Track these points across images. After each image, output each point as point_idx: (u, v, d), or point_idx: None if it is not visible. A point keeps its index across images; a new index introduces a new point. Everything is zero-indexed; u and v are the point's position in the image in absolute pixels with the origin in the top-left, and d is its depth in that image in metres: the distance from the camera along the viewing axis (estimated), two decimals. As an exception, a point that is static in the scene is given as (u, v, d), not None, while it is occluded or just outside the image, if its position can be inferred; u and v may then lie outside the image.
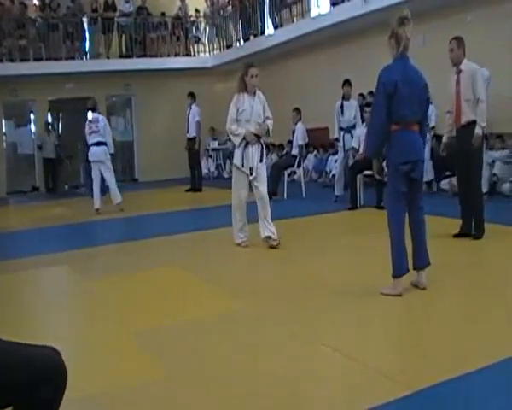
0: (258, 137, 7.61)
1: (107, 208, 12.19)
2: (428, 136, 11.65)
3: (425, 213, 5.49)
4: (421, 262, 5.27)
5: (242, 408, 3.27)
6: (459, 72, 7.16)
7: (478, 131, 6.91)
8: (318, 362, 3.84)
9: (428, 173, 11.53)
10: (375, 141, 5.33)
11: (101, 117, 12.76)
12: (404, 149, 5.13)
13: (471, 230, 7.19)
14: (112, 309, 5.48)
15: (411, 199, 5.27)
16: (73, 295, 6.27)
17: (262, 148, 7.70)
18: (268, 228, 7.61)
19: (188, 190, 15.41)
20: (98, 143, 12.29)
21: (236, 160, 7.69)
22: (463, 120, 7.06)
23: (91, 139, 12.35)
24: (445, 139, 7.55)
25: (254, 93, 7.69)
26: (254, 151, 7.61)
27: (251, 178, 7.58)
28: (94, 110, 12.85)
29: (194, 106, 15.14)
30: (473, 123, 6.97)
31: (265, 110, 7.81)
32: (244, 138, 7.57)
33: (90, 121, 12.59)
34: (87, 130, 12.50)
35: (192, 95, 15.24)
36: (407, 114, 5.10)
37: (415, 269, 5.26)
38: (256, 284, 6.00)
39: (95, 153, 12.27)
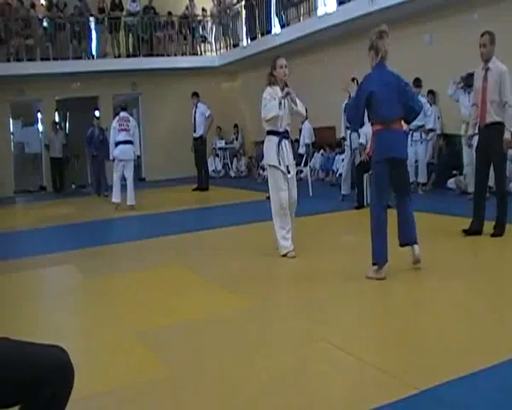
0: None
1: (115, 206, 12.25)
2: (424, 136, 11.64)
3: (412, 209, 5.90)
4: (409, 239, 5.86)
5: (244, 407, 3.27)
6: (487, 69, 7.06)
7: (507, 136, 6.85)
8: (322, 361, 3.83)
9: (421, 175, 11.57)
10: (355, 117, 6.07)
11: (131, 117, 12.86)
12: (384, 147, 5.69)
13: (482, 228, 7.15)
14: (115, 308, 5.49)
15: (398, 193, 5.92)
16: (78, 294, 6.28)
17: (293, 144, 7.45)
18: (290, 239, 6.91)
19: (194, 190, 15.41)
20: (127, 142, 12.33)
21: (271, 159, 6.97)
22: (488, 120, 7.02)
23: (121, 137, 12.34)
24: (470, 132, 7.54)
25: (284, 86, 7.42)
26: (288, 148, 7.08)
27: (289, 176, 6.92)
28: (125, 110, 12.97)
29: (200, 104, 15.16)
30: (497, 124, 6.93)
31: (296, 104, 7.39)
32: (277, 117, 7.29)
33: (121, 119, 12.59)
34: (117, 126, 12.47)
35: (196, 94, 15.27)
36: (386, 114, 5.70)
37: (404, 245, 5.90)
38: (260, 282, 5.99)
39: (124, 151, 12.31)
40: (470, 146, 7.83)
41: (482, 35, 7.09)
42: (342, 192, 11.34)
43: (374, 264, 5.64)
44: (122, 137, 12.34)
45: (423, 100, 10.75)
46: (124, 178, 12.43)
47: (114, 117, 13.24)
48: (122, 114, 12.76)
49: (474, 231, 7.14)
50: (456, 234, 7.27)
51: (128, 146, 12.34)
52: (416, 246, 5.79)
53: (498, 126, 6.92)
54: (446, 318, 4.54)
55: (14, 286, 6.62)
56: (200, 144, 15.22)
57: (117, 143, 12.39)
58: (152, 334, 4.58)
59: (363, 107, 5.82)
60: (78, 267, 7.25)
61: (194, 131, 15.23)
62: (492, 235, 7.04)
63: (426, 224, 8.34)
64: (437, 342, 4.03)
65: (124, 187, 12.52)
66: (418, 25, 12.63)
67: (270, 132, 7.28)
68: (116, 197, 12.48)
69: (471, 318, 4.53)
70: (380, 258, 5.61)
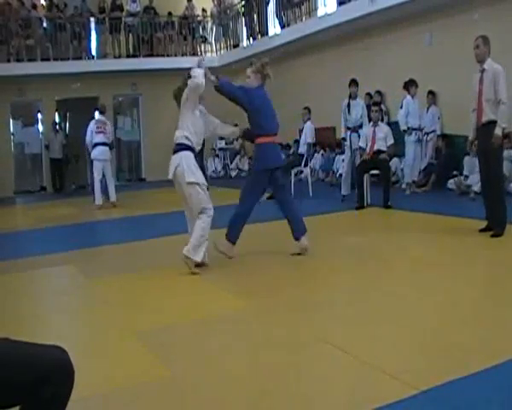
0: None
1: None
2: (418, 136, 11.63)
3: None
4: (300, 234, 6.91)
5: (245, 408, 3.27)
6: (482, 71, 7.18)
7: (497, 131, 6.95)
8: (322, 361, 3.83)
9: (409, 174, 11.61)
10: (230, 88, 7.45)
11: (108, 121, 13.56)
12: (271, 158, 6.90)
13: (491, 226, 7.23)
14: (115, 308, 5.49)
15: (281, 195, 7.17)
16: (78, 295, 6.28)
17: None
18: None
19: None
20: (104, 144, 12.95)
21: (199, 177, 6.84)
22: (484, 119, 7.11)
23: (98, 139, 12.91)
24: (471, 137, 7.56)
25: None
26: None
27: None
28: (103, 113, 13.60)
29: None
30: (492, 123, 7.01)
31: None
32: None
33: (98, 121, 13.26)
34: (94, 129, 13.00)
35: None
36: (273, 128, 6.97)
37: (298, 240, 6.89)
38: (260, 283, 5.99)
39: (102, 151, 12.87)
40: (471, 152, 7.95)
41: (476, 39, 7.26)
42: (342, 193, 11.34)
43: (229, 241, 6.87)
44: (99, 139, 12.95)
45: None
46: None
47: (91, 119, 13.69)
48: (99, 117, 13.55)
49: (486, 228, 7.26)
50: (461, 234, 7.27)
51: (105, 147, 12.98)
52: (303, 237, 6.84)
53: (493, 125, 7.00)
54: (447, 317, 4.54)
55: (14, 286, 6.61)
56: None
57: (94, 145, 12.93)
58: (152, 334, 4.58)
59: (240, 97, 7.22)
60: (78, 268, 7.24)
61: None
62: (492, 235, 7.05)
63: (430, 225, 8.36)
64: (437, 342, 4.03)
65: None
66: (418, 25, 12.64)
67: (186, 148, 7.11)
68: (98, 200, 12.98)
69: (473, 318, 4.53)
70: (234, 239, 6.89)
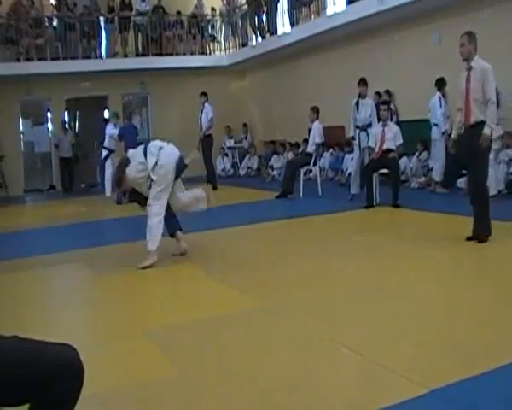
0: None
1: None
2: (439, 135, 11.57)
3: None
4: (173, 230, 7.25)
5: (254, 406, 3.27)
6: (469, 69, 6.92)
7: (486, 131, 6.67)
8: (330, 360, 3.83)
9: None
10: None
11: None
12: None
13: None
14: (125, 306, 5.51)
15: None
16: (88, 293, 6.31)
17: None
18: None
19: None
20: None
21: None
22: (472, 120, 6.83)
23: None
24: (453, 136, 7.31)
25: None
26: None
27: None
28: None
29: (207, 104, 15.21)
30: (481, 123, 6.74)
31: None
32: None
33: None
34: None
35: (205, 94, 15.33)
36: None
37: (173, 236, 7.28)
38: (269, 282, 6.00)
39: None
40: (452, 151, 7.67)
41: (461, 36, 6.98)
42: (351, 192, 11.32)
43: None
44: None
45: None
46: None
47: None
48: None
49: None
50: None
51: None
52: (179, 232, 7.24)
53: (482, 126, 6.72)
54: (456, 317, 4.53)
55: (24, 284, 6.64)
56: (205, 144, 15.24)
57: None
58: (162, 333, 4.59)
59: None
60: (88, 266, 7.26)
61: (201, 130, 15.28)
62: (479, 241, 6.83)
63: (438, 224, 8.34)
64: (446, 341, 4.02)
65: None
66: (427, 24, 12.60)
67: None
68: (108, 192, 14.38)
69: (481, 318, 4.51)
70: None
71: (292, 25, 16.40)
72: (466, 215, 8.33)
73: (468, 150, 6.91)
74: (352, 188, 11.35)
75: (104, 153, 15.11)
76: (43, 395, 2.20)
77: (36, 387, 2.20)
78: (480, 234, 6.85)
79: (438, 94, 11.34)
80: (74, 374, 2.27)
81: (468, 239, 6.93)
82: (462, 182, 11.19)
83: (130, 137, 13.88)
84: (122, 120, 16.31)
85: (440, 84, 11.26)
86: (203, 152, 15.37)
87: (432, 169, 12.01)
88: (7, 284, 6.55)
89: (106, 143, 15.07)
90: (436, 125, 11.38)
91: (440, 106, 11.22)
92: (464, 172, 11.10)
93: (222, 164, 19.66)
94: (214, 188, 15.28)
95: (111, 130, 14.98)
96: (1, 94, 17.87)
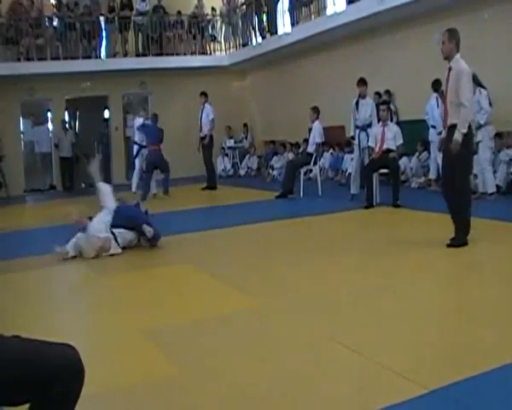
0: None
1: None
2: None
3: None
4: None
5: (255, 407, 3.27)
6: (449, 69, 6.69)
7: (457, 136, 6.43)
8: (332, 360, 3.83)
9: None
10: None
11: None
12: None
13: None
14: (125, 306, 5.51)
15: None
16: (88, 292, 6.31)
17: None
18: None
19: (204, 188, 15.42)
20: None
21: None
22: (449, 122, 6.69)
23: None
24: (442, 135, 7.14)
25: None
26: None
27: None
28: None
29: (207, 104, 15.23)
30: (454, 127, 6.53)
31: None
32: None
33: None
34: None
35: (205, 94, 15.35)
36: None
37: None
38: (270, 281, 6.01)
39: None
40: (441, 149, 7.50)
41: (442, 33, 6.74)
42: (351, 192, 11.32)
43: None
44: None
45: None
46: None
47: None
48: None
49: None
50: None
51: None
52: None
53: (454, 130, 6.53)
54: (457, 317, 4.54)
55: (24, 284, 6.65)
56: (205, 144, 15.27)
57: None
58: (162, 332, 4.60)
59: None
60: (88, 265, 7.27)
61: (201, 130, 15.31)
62: (449, 245, 6.68)
63: (438, 223, 8.34)
64: (447, 341, 4.03)
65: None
66: (427, 24, 12.58)
67: None
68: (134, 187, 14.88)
69: (482, 318, 4.52)
70: None
71: (292, 25, 16.41)
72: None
73: (445, 152, 6.80)
74: (352, 188, 11.36)
75: (135, 148, 15.19)
76: (43, 395, 2.20)
77: (36, 387, 2.20)
78: (456, 239, 6.68)
79: (435, 95, 11.33)
80: (75, 374, 2.27)
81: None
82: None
83: (152, 137, 14.47)
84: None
85: (437, 85, 11.25)
86: (203, 152, 15.40)
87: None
88: (8, 284, 6.55)
89: (136, 139, 15.15)
90: (434, 126, 11.37)
91: (438, 106, 11.21)
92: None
93: (222, 164, 19.66)
94: (214, 188, 15.30)
95: (138, 122, 15.17)
96: (1, 94, 17.88)
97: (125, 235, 7.85)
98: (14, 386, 2.20)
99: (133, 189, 14.90)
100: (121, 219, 7.92)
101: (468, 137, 6.61)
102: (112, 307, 5.60)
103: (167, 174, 14.63)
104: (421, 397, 3.16)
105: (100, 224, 7.83)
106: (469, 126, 6.65)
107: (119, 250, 7.68)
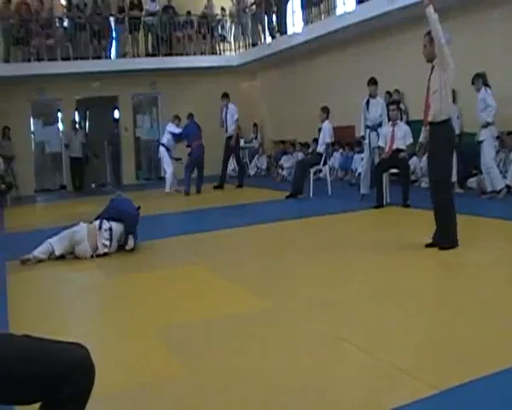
0: None
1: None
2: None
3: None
4: None
5: (262, 406, 3.27)
6: (432, 68, 6.89)
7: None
8: (340, 360, 3.83)
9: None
10: None
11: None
12: None
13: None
14: (135, 306, 5.53)
15: None
16: (97, 293, 6.32)
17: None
18: None
19: (216, 187, 15.47)
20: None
21: None
22: (430, 117, 6.89)
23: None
24: (421, 139, 7.16)
25: None
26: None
27: None
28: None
29: (230, 104, 15.38)
30: (433, 124, 6.76)
31: None
32: None
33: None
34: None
35: (226, 95, 15.47)
36: None
37: None
38: (279, 281, 6.01)
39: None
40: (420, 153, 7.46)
41: (424, 36, 6.96)
42: (361, 192, 11.30)
43: None
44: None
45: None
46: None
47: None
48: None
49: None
50: (482, 233, 7.22)
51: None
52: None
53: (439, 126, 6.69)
54: (468, 317, 4.51)
55: (34, 284, 6.68)
56: (231, 144, 15.42)
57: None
58: (171, 333, 4.61)
59: None
60: (97, 266, 7.29)
61: (226, 130, 15.49)
62: (434, 246, 6.68)
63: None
64: (458, 341, 4.01)
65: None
66: (437, 23, 12.53)
67: None
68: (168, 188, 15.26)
69: (492, 318, 4.50)
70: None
71: (305, 22, 16.40)
72: (477, 215, 8.34)
73: (429, 150, 6.94)
74: (362, 188, 11.34)
75: (162, 149, 15.47)
76: (53, 394, 2.21)
77: (46, 386, 2.21)
78: (439, 241, 6.65)
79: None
80: (85, 373, 2.28)
81: (428, 246, 6.74)
82: (472, 182, 11.16)
83: (193, 135, 14.80)
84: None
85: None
86: (225, 152, 15.56)
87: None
88: (19, 284, 6.58)
89: (165, 141, 15.39)
90: None
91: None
92: (475, 171, 11.11)
93: (232, 164, 19.65)
94: (241, 186, 15.42)
95: (173, 129, 15.34)
96: (12, 94, 17.97)
97: (115, 228, 7.87)
98: (24, 385, 2.21)
99: (168, 189, 15.20)
100: (113, 211, 8.06)
101: (448, 136, 6.73)
102: (121, 307, 5.62)
103: (202, 173, 15.09)
104: (430, 397, 3.15)
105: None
106: (450, 124, 6.76)
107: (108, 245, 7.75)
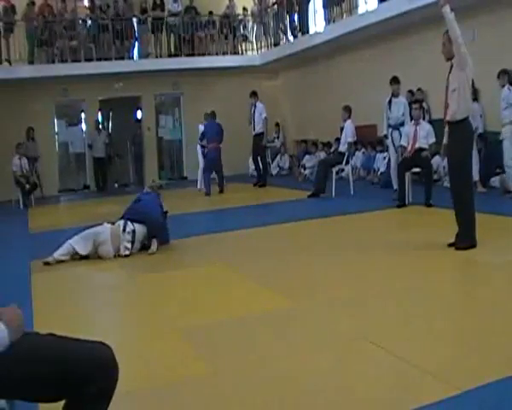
0: None
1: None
2: None
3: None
4: None
5: (287, 406, 3.29)
6: (451, 67, 6.78)
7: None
8: (363, 360, 3.83)
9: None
10: None
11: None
12: None
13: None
14: (158, 305, 5.56)
15: None
16: (121, 292, 6.37)
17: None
18: None
19: (260, 186, 15.64)
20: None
21: None
22: (448, 116, 6.77)
23: None
24: (445, 141, 7.05)
25: None
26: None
27: None
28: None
29: (258, 103, 15.49)
30: (452, 124, 6.68)
31: None
32: None
33: None
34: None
35: (255, 94, 15.56)
36: None
37: None
38: (302, 281, 6.01)
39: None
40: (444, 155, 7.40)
41: (443, 34, 6.80)
42: (394, 187, 11.04)
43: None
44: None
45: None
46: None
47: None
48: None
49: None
50: (506, 232, 7.16)
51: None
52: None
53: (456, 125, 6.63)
54: (491, 318, 4.49)
55: (58, 284, 6.73)
56: (259, 141, 15.58)
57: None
58: (196, 332, 4.63)
59: None
60: (120, 266, 7.34)
61: (254, 128, 15.57)
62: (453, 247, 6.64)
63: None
64: (481, 342, 3.99)
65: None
66: (460, 21, 12.34)
67: None
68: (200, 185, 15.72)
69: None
70: None
71: (327, 21, 16.37)
72: (501, 215, 8.27)
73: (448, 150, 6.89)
74: (395, 183, 11.13)
75: (200, 149, 15.94)
76: (77, 392, 2.24)
77: (70, 384, 2.24)
78: (457, 240, 6.63)
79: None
80: (108, 372, 2.31)
81: (451, 245, 6.69)
82: (495, 181, 11.07)
83: (211, 134, 14.97)
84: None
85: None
86: (253, 150, 15.63)
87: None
88: (43, 283, 6.64)
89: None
90: None
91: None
92: (499, 170, 11.02)
93: (252, 163, 19.67)
94: (263, 185, 15.45)
95: (200, 127, 15.89)
96: (36, 95, 18.16)
97: (139, 230, 7.91)
98: (48, 383, 2.24)
99: (198, 186, 15.78)
100: (138, 213, 8.08)
101: (466, 134, 6.66)
102: (146, 306, 5.65)
103: (220, 174, 15.10)
104: (453, 398, 3.14)
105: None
106: (468, 122, 6.67)
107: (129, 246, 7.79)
